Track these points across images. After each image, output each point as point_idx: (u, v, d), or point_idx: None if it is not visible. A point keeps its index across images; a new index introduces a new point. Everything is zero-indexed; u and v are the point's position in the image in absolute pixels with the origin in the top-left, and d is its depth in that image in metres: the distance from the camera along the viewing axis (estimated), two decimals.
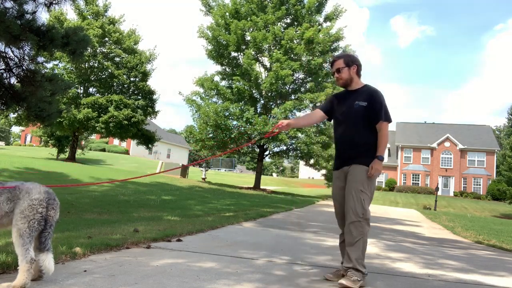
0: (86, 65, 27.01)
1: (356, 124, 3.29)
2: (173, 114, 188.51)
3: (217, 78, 25.09)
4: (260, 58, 24.58)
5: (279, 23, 23.97)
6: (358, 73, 3.42)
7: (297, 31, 23.46)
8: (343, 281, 3.00)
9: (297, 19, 24.03)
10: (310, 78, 23.96)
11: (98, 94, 27.61)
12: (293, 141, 23.19)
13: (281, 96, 24.09)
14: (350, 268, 3.08)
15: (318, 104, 23.57)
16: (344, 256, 3.34)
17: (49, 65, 24.58)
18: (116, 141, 53.73)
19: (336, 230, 7.90)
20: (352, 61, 3.39)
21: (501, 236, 9.70)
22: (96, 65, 27.21)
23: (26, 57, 6.97)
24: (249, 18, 23.26)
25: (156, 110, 29.05)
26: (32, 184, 2.50)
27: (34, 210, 2.37)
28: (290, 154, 25.31)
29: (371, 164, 3.19)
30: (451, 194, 45.51)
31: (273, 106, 24.36)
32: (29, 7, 6.64)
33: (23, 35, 6.27)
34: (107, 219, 7.06)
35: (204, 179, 25.89)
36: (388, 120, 3.27)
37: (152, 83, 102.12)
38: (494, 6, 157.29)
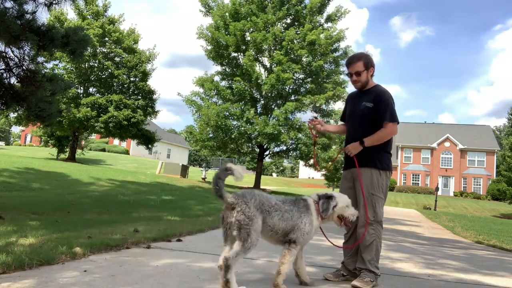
0: (86, 65, 26.99)
1: (362, 125, 3.27)
2: (173, 114, 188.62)
3: (217, 78, 25.08)
4: (260, 59, 24.56)
5: (279, 24, 23.95)
6: (372, 75, 3.38)
7: (298, 32, 23.44)
8: (356, 282, 3.01)
9: (298, 19, 24.01)
10: (310, 79, 23.95)
11: (98, 94, 27.60)
12: (293, 141, 23.18)
13: (281, 97, 24.08)
14: (363, 269, 3.09)
15: (318, 105, 23.54)
16: (346, 256, 3.35)
17: (49, 65, 24.57)
18: (116, 141, 53.73)
19: (336, 230, 7.93)
20: (370, 64, 3.31)
21: (501, 236, 9.72)
22: (96, 65, 27.20)
23: (26, 57, 6.97)
24: (249, 19, 23.23)
25: (156, 110, 29.04)
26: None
27: None
28: (290, 154, 25.30)
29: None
30: (451, 194, 45.53)
31: (273, 107, 24.36)
32: (29, 7, 6.64)
33: (23, 35, 6.26)
34: (107, 219, 7.05)
35: (204, 179, 25.90)
36: (393, 120, 3.20)
37: (152, 83, 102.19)
38: (493, 7, 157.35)
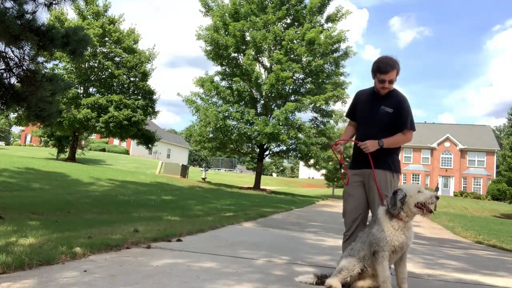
0: (86, 65, 26.99)
1: (380, 129, 3.26)
2: (173, 114, 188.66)
3: (217, 79, 25.09)
4: (260, 58, 24.56)
5: (279, 23, 23.95)
6: None
7: (298, 31, 23.44)
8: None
9: (298, 19, 24.01)
10: (310, 79, 23.95)
11: (98, 94, 27.59)
12: (293, 141, 23.20)
13: (281, 97, 24.08)
14: None
15: (317, 105, 23.52)
16: None
17: (49, 65, 24.58)
18: (116, 141, 53.72)
19: (336, 230, 7.91)
20: (400, 70, 3.28)
21: (501, 236, 9.71)
22: (96, 65, 27.19)
23: (26, 57, 6.97)
24: (248, 19, 23.23)
25: (156, 110, 29.04)
26: None
27: None
28: (290, 154, 25.31)
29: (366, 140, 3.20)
30: (451, 194, 45.53)
31: (273, 106, 24.36)
32: (29, 7, 6.64)
33: (23, 35, 6.27)
34: (107, 219, 7.05)
35: (204, 179, 25.90)
36: (413, 128, 3.26)
37: (152, 83, 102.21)
38: (492, 7, 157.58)
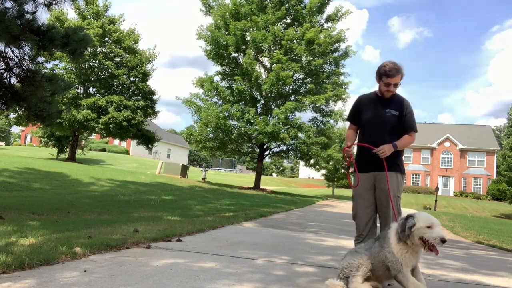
0: (86, 65, 26.97)
1: (387, 131, 3.35)
2: (173, 114, 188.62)
3: (217, 79, 25.07)
4: (260, 58, 24.55)
5: (279, 23, 23.94)
6: None
7: (297, 31, 23.43)
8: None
9: (297, 19, 24.00)
10: (310, 79, 23.93)
11: (98, 95, 27.57)
12: (293, 141, 23.18)
13: (281, 96, 24.07)
14: None
15: (317, 105, 23.52)
16: None
17: (49, 65, 24.60)
18: (116, 141, 53.70)
19: (336, 230, 7.90)
20: (403, 75, 3.39)
21: (501, 236, 9.71)
22: (96, 65, 27.17)
23: (26, 57, 6.97)
24: (249, 18, 23.23)
25: (156, 111, 29.02)
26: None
27: None
28: (290, 154, 25.30)
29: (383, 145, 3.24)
30: (451, 194, 45.53)
31: (273, 106, 24.34)
32: (29, 7, 6.64)
33: (23, 35, 6.27)
34: (107, 219, 7.06)
35: (204, 179, 25.90)
36: (417, 130, 3.45)
37: (152, 83, 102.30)
38: (491, 8, 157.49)
